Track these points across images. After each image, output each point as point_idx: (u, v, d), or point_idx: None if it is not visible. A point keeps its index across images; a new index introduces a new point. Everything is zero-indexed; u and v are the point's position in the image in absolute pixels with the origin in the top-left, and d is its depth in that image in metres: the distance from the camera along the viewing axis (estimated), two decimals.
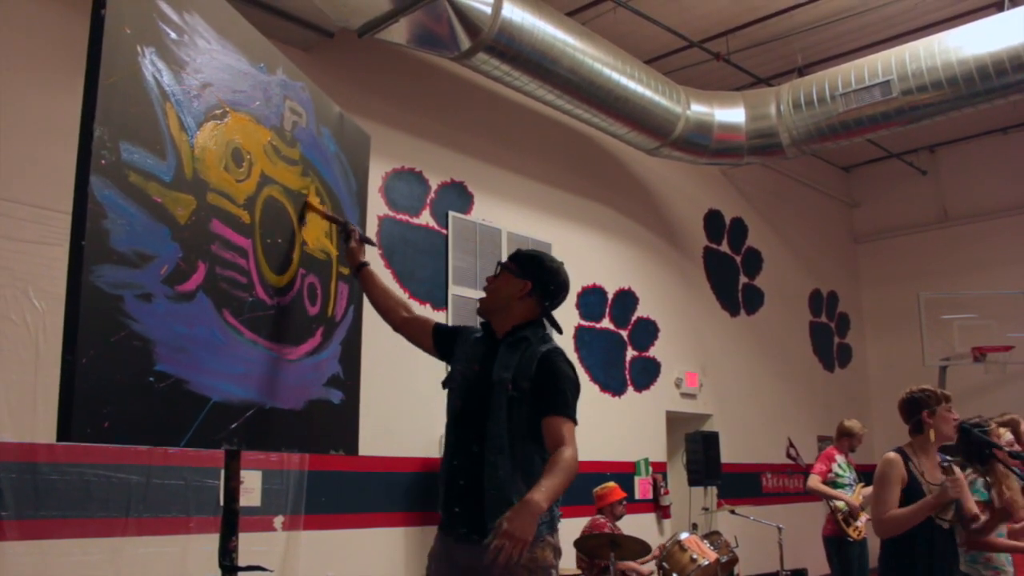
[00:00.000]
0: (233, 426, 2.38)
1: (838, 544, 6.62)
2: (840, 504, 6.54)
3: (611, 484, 6.58)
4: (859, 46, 8.53)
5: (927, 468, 3.74)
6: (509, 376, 2.68)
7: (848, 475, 6.72)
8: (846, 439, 6.83)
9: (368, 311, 3.29)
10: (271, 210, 2.64)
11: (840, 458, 6.77)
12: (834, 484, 6.63)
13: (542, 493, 2.37)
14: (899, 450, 3.81)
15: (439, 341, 2.96)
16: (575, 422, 2.65)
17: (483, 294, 2.93)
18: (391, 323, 3.05)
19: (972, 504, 3.81)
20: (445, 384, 2.87)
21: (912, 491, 3.68)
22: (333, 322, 3.02)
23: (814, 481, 6.71)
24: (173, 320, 2.13)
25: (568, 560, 6.31)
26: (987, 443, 4.15)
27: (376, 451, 5.94)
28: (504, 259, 2.92)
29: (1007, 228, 10.93)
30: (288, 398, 2.69)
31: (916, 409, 3.82)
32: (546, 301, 2.85)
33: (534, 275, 2.83)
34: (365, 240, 3.12)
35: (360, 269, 3.07)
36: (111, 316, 1.93)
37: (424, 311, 6.68)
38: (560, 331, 2.98)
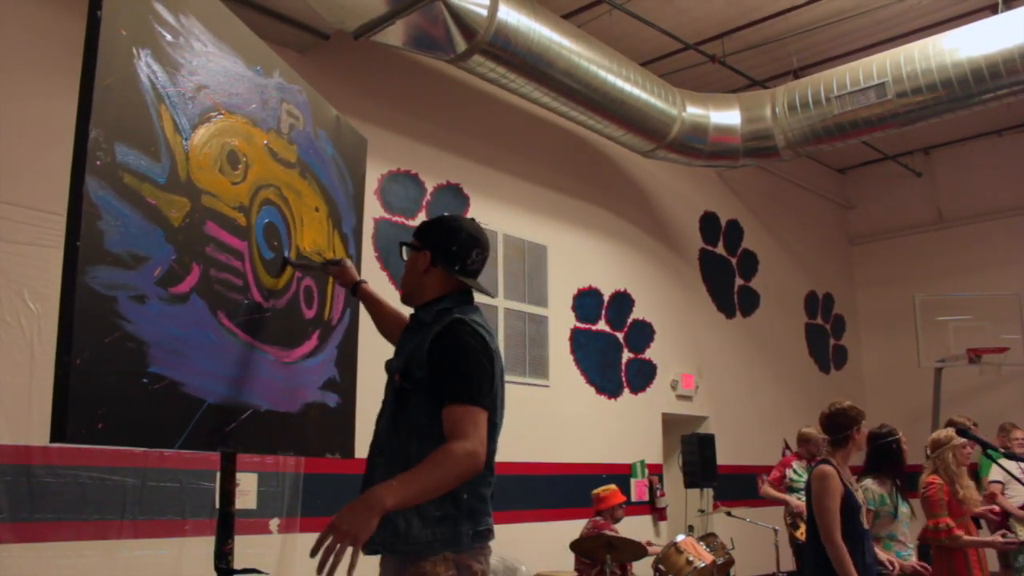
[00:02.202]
0: (228, 428, 2.37)
1: (797, 546, 7.01)
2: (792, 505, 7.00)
3: (612, 487, 6.59)
4: (854, 48, 8.55)
5: (849, 480, 3.88)
6: (400, 364, 2.35)
7: (804, 479, 6.88)
8: (804, 446, 7.12)
9: (365, 314, 3.29)
10: (268, 213, 2.64)
11: (797, 464, 7.13)
12: (789, 489, 7.03)
13: (390, 488, 2.03)
14: (827, 462, 3.89)
15: None
16: (483, 407, 2.21)
17: (486, 298, 2.73)
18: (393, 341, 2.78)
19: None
20: None
21: (848, 503, 3.78)
22: (329, 325, 3.02)
23: (764, 486, 7.23)
24: (167, 322, 2.12)
25: (567, 563, 6.30)
26: (985, 443, 4.24)
27: None
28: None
29: (1002, 230, 10.96)
30: (284, 401, 2.69)
31: (848, 424, 3.93)
32: (455, 265, 2.43)
33: (430, 241, 2.47)
34: (332, 262, 2.87)
35: (357, 289, 2.85)
36: (105, 317, 1.93)
37: None
38: (491, 294, 2.72)
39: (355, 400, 3.19)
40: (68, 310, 1.85)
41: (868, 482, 4.25)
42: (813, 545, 3.80)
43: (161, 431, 2.13)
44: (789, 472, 7.11)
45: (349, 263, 2.88)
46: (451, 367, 2.23)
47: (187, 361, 2.19)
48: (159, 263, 2.11)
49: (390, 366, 2.41)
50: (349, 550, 1.95)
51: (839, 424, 3.92)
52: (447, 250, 2.44)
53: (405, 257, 2.54)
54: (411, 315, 2.50)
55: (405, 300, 2.54)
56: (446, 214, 2.65)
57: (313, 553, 1.95)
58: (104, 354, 1.91)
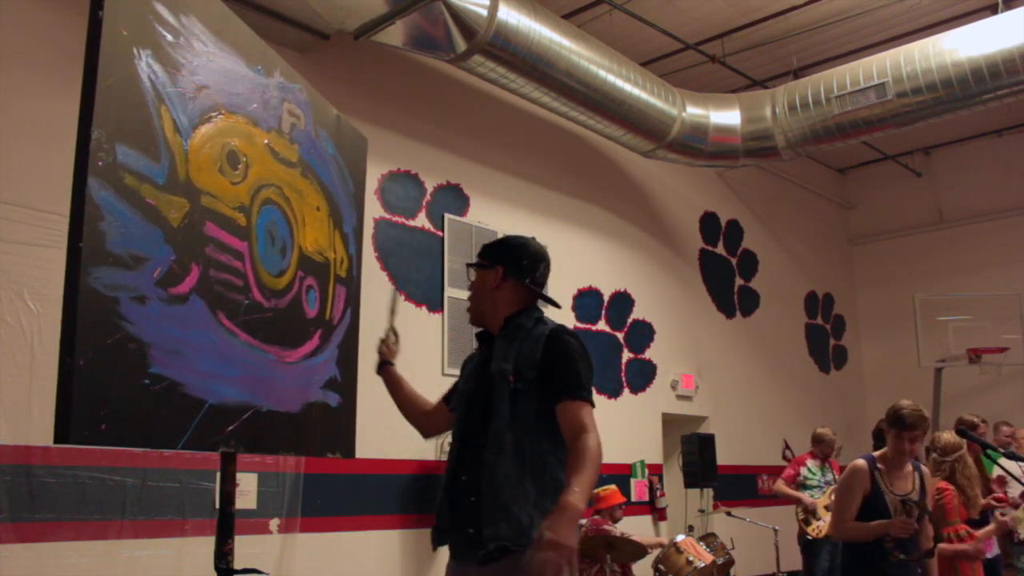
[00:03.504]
0: (230, 429, 2.37)
1: (805, 542, 7.17)
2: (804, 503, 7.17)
3: (612, 487, 6.59)
4: (854, 48, 8.55)
5: (895, 479, 3.79)
6: (509, 366, 2.46)
7: (818, 477, 7.27)
8: (817, 446, 7.40)
9: (365, 314, 3.29)
10: (268, 212, 2.64)
11: (811, 462, 7.38)
12: (803, 486, 7.26)
13: (576, 495, 2.20)
14: (868, 458, 3.86)
15: (449, 401, 2.84)
16: (592, 404, 2.44)
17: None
18: (420, 429, 2.97)
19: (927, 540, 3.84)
20: (452, 409, 2.74)
21: (874, 501, 3.75)
22: (331, 325, 3.02)
23: (778, 483, 7.44)
24: (167, 322, 2.12)
25: None
26: (985, 444, 4.23)
27: (371, 453, 5.93)
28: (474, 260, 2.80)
29: (1002, 230, 10.96)
30: (285, 401, 2.69)
31: (884, 427, 3.96)
32: (526, 279, 2.64)
33: (501, 258, 2.67)
34: (394, 331, 3.10)
35: (384, 368, 3.02)
36: (107, 318, 1.93)
37: (420, 313, 6.68)
38: (558, 305, 2.86)
39: (356, 400, 3.20)
40: (71, 311, 1.85)
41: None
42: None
43: (163, 431, 2.13)
44: (803, 470, 7.35)
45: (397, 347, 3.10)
46: (566, 367, 2.44)
47: (188, 362, 2.19)
48: (158, 264, 2.11)
49: (498, 369, 2.50)
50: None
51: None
52: (518, 264, 2.64)
53: (471, 278, 2.72)
54: (507, 321, 2.61)
55: (475, 320, 2.72)
56: (512, 235, 2.82)
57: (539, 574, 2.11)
58: (106, 355, 1.91)
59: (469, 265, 2.75)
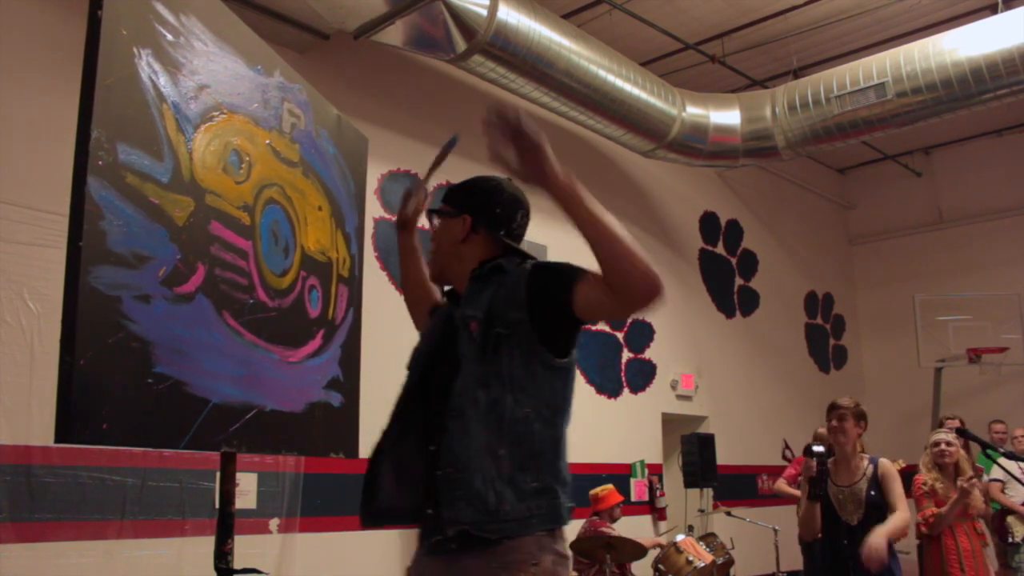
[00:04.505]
0: (233, 428, 2.37)
1: (805, 542, 6.95)
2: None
3: (609, 487, 6.59)
4: (854, 48, 8.54)
5: (842, 472, 4.07)
6: (478, 313, 2.00)
7: None
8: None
9: (367, 313, 3.29)
10: (272, 212, 2.64)
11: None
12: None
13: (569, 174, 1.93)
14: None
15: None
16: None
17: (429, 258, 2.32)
18: (411, 293, 2.54)
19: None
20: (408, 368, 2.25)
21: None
22: (333, 325, 3.02)
23: (779, 483, 7.21)
24: (172, 322, 2.12)
25: None
26: (984, 443, 4.28)
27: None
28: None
29: (1002, 230, 10.96)
30: (288, 400, 2.69)
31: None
32: (500, 230, 2.19)
33: (469, 204, 2.21)
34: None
35: (407, 223, 2.57)
36: (109, 317, 1.93)
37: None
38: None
39: (359, 399, 3.20)
40: (71, 310, 1.84)
41: None
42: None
43: (166, 431, 2.13)
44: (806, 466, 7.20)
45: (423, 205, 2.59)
46: (558, 275, 2.00)
47: (191, 361, 2.19)
48: (164, 263, 2.11)
49: (461, 316, 2.05)
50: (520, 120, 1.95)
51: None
52: (490, 212, 2.20)
53: (434, 224, 2.26)
54: (481, 266, 2.14)
55: (437, 277, 2.30)
56: (480, 176, 2.31)
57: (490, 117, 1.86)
58: (108, 354, 1.91)
59: (430, 211, 2.30)
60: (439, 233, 2.23)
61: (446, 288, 2.27)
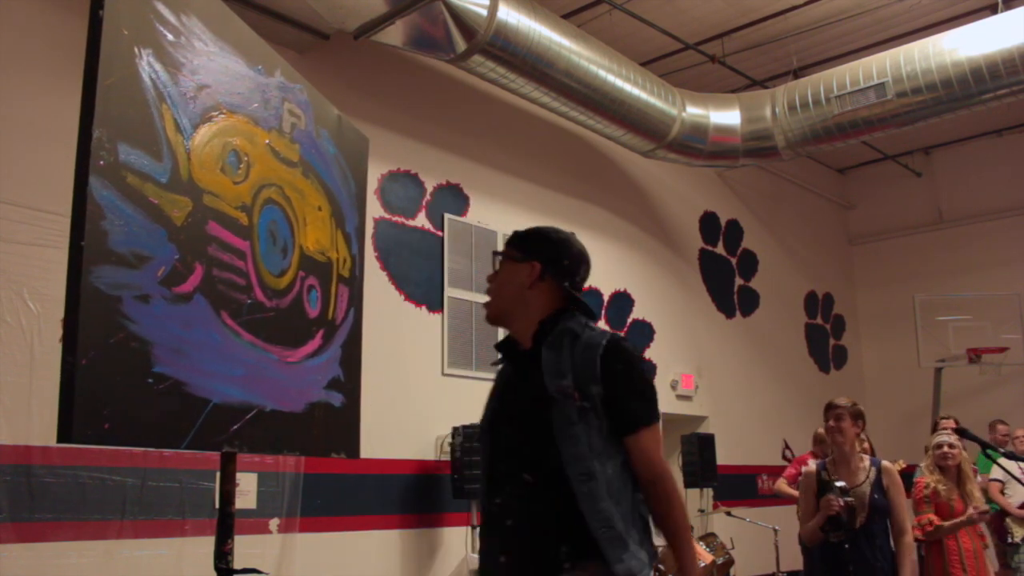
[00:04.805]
0: (234, 428, 2.37)
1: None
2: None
3: None
4: (854, 48, 8.54)
5: (844, 475, 4.00)
6: (569, 382, 2.09)
7: None
8: (818, 446, 7.19)
9: (368, 313, 3.28)
10: (270, 212, 2.64)
11: (812, 463, 7.10)
12: None
13: (688, 566, 2.10)
14: (820, 463, 4.16)
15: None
16: (659, 421, 2.19)
17: (486, 298, 2.37)
18: None
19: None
20: (478, 440, 2.42)
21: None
22: (333, 325, 3.02)
23: (779, 483, 7.25)
24: (170, 321, 2.12)
25: None
26: (984, 443, 4.28)
27: (372, 453, 5.92)
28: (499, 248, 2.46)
29: (1002, 230, 10.96)
30: (288, 400, 2.68)
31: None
32: (565, 281, 2.27)
33: (540, 252, 2.28)
34: None
35: None
36: (110, 317, 1.93)
37: (420, 313, 6.68)
38: (594, 317, 2.36)
39: (360, 400, 3.19)
40: (73, 310, 1.84)
41: None
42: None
43: (167, 431, 2.13)
44: (805, 470, 7.20)
45: None
46: (634, 388, 2.15)
47: (191, 361, 2.19)
48: (162, 263, 2.11)
49: (557, 386, 2.12)
50: None
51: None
52: (559, 262, 2.28)
53: (496, 268, 2.33)
54: (544, 326, 2.23)
55: (495, 317, 2.34)
56: (545, 226, 2.40)
57: None
58: (109, 354, 1.91)
59: (496, 253, 2.35)
60: (503, 277, 2.31)
61: (497, 344, 2.36)
